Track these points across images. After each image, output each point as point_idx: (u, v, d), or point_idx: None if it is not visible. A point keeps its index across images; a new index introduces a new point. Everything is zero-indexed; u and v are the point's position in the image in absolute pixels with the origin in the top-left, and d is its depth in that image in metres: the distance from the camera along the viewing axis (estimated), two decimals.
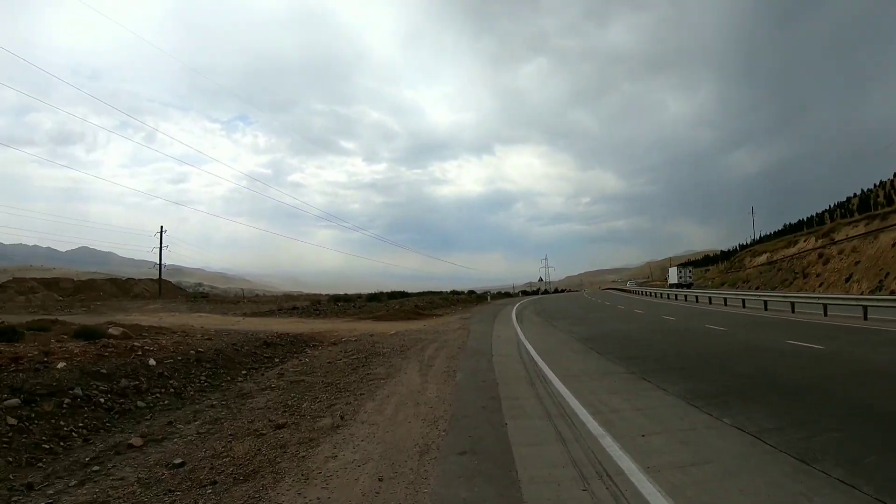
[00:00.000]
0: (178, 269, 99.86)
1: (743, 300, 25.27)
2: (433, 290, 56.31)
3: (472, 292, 57.06)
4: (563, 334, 15.12)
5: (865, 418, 5.09)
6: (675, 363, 8.99)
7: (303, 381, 8.62)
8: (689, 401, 6.12)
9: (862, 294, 28.96)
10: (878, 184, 48.51)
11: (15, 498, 4.28)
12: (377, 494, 3.77)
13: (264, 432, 5.62)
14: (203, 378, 9.12)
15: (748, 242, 72.95)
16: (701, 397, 6.23)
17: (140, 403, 7.29)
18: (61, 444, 5.61)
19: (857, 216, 44.26)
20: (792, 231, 59.28)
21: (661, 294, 44.37)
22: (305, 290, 77.90)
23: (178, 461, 4.81)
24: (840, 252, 38.60)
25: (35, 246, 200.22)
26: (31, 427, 5.70)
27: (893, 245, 32.32)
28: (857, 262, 35.38)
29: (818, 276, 39.50)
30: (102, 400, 6.93)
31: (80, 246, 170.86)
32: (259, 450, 4.97)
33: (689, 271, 58.91)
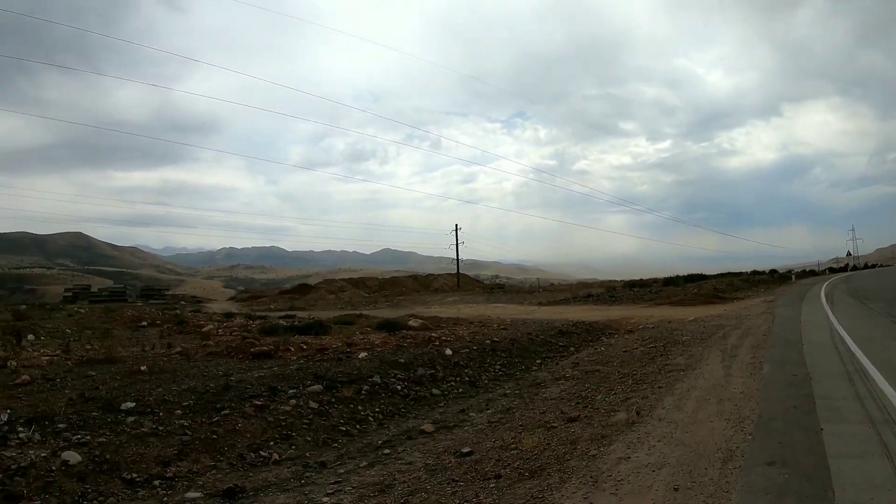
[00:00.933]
0: (474, 263, 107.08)
1: None
2: (731, 270, 50.46)
3: (773, 272, 50.58)
4: (882, 318, 12.71)
5: None
6: None
7: (598, 372, 8.32)
8: None
9: None
10: None
11: (308, 474, 4.57)
12: None
13: (555, 425, 5.46)
14: (497, 367, 9.17)
15: None
16: None
17: (435, 391, 7.49)
18: (357, 427, 5.94)
19: None
20: None
21: None
22: (599, 277, 76.36)
23: (466, 450, 4.82)
24: None
25: (342, 251, 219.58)
26: (330, 411, 6.15)
27: None
28: None
29: None
30: (399, 387, 7.26)
31: (382, 248, 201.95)
32: (548, 444, 4.83)
33: None
